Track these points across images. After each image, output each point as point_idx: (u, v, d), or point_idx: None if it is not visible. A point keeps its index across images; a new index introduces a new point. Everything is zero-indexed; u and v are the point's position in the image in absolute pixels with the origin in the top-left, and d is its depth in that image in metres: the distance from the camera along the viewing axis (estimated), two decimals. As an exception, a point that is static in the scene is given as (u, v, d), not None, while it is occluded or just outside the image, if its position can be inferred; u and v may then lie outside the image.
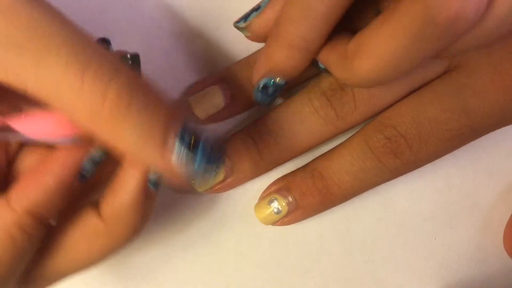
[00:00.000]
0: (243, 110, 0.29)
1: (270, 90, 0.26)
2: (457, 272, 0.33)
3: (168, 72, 0.30)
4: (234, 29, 0.28)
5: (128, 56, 0.23)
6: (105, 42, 0.25)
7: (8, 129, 0.19)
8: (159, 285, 0.31)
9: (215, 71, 0.30)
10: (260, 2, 0.26)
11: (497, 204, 0.33)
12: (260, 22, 0.25)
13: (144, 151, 0.19)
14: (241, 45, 0.30)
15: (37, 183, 0.21)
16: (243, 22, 0.26)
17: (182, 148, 0.19)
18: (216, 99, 0.27)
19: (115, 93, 0.18)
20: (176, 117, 0.20)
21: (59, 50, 0.18)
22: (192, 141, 0.19)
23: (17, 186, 0.21)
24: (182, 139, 0.19)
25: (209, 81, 0.28)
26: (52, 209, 0.21)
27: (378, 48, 0.20)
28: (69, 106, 0.18)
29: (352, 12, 0.23)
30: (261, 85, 0.26)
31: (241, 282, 0.32)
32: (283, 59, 0.24)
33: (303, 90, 0.28)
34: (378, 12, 0.24)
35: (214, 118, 0.28)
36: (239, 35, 0.28)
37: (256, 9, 0.26)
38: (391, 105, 0.28)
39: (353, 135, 0.28)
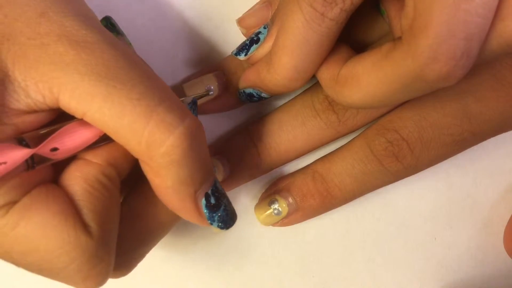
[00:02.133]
0: (237, 103, 0.29)
1: (255, 98, 0.27)
2: (457, 272, 0.33)
3: (168, 72, 0.29)
4: (234, 29, 0.28)
5: (190, 100, 0.24)
6: (109, 22, 0.25)
7: (41, 158, 0.19)
8: (159, 285, 0.31)
9: (211, 63, 0.30)
10: (258, 33, 0.26)
11: (497, 204, 0.33)
12: (260, 56, 0.26)
13: (175, 196, 0.20)
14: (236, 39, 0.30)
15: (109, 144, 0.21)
16: (244, 55, 0.26)
17: (206, 205, 0.22)
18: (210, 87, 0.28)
19: (173, 143, 0.19)
20: (212, 175, 0.22)
21: (133, 88, 0.18)
22: (215, 201, 0.22)
23: (91, 149, 0.21)
24: (208, 196, 0.22)
25: (204, 71, 0.28)
26: (125, 165, 0.22)
27: (367, 86, 0.21)
28: (124, 139, 0.19)
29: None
30: (247, 92, 0.27)
31: (241, 282, 0.32)
32: (273, 85, 0.25)
33: (306, 93, 0.28)
34: (377, 4, 0.24)
35: (208, 107, 0.28)
36: (239, 35, 0.28)
37: (256, 41, 0.26)
38: (393, 110, 0.28)
39: (355, 137, 0.28)
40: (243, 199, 0.31)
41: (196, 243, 0.31)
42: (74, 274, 0.19)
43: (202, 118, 0.29)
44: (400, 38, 0.20)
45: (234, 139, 0.29)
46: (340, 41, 0.24)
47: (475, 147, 0.28)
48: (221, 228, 0.23)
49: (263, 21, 0.27)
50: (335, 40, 0.23)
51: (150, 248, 0.24)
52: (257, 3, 0.27)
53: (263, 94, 0.27)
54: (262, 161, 0.28)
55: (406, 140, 0.26)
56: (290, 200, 0.29)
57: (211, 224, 0.22)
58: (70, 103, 0.18)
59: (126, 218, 0.23)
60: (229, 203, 0.23)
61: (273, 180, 0.31)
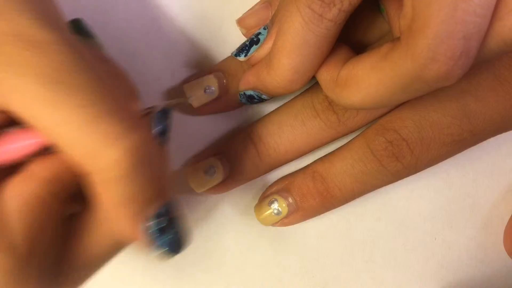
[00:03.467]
0: (237, 104, 0.29)
1: (255, 100, 0.27)
2: (457, 272, 0.33)
3: (168, 72, 0.29)
4: (235, 29, 0.28)
5: (158, 111, 0.22)
6: (78, 24, 0.24)
7: None
8: (159, 285, 0.31)
9: (211, 64, 0.30)
10: (258, 34, 0.26)
11: (497, 204, 0.33)
12: (259, 57, 0.26)
13: (116, 214, 0.19)
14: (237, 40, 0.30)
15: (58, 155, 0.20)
16: (244, 56, 0.26)
17: (152, 227, 0.20)
18: (211, 87, 0.28)
19: (116, 158, 0.18)
20: (165, 195, 0.20)
21: (81, 94, 0.17)
22: (165, 223, 0.20)
23: (36, 160, 0.20)
24: (157, 217, 0.20)
25: (204, 72, 0.28)
26: (74, 179, 0.20)
27: (367, 87, 0.21)
28: (66, 147, 0.18)
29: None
30: (247, 94, 0.27)
31: (241, 282, 0.32)
32: (273, 87, 0.25)
33: (306, 93, 0.28)
34: (379, 7, 0.24)
35: (208, 108, 0.28)
36: (240, 35, 0.28)
37: (256, 42, 0.26)
38: (393, 109, 0.28)
39: (354, 137, 0.28)
40: (243, 199, 0.31)
41: (195, 243, 0.31)
42: None
43: (202, 118, 0.29)
44: (399, 38, 0.20)
45: (234, 139, 0.29)
46: (339, 42, 0.24)
47: (475, 147, 0.28)
48: (168, 252, 0.21)
49: (263, 21, 0.27)
50: (334, 41, 0.23)
51: (98, 269, 0.22)
52: (257, 3, 0.28)
53: (263, 96, 0.27)
54: (261, 161, 0.28)
55: (405, 140, 0.26)
56: (290, 200, 0.29)
57: (156, 248, 0.20)
58: (16, 106, 0.18)
59: (73, 234, 0.21)
60: (181, 227, 0.21)
61: (272, 180, 0.31)
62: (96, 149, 0.17)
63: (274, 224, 0.29)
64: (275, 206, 0.29)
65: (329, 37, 0.22)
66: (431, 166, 0.28)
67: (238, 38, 0.28)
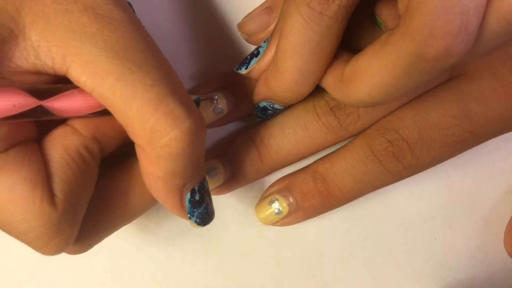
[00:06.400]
0: (245, 116, 0.29)
1: (269, 112, 0.27)
2: (457, 272, 0.33)
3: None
4: (235, 29, 0.28)
5: (194, 98, 0.25)
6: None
7: (41, 110, 0.19)
8: (159, 285, 0.31)
9: (216, 72, 0.30)
10: (258, 47, 0.26)
11: (497, 204, 0.33)
12: (260, 69, 0.26)
13: (163, 187, 0.21)
14: (242, 46, 0.30)
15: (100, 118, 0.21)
16: (245, 69, 0.27)
17: (189, 200, 0.22)
18: (219, 106, 0.28)
19: (176, 136, 0.19)
20: (202, 172, 0.22)
21: (148, 73, 0.19)
22: (199, 198, 0.22)
23: (80, 118, 0.21)
24: (194, 192, 0.22)
25: (212, 86, 0.28)
26: (111, 143, 0.22)
27: (371, 77, 0.21)
28: (129, 121, 0.19)
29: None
30: (261, 106, 0.27)
31: (241, 282, 0.32)
32: (281, 92, 0.25)
33: (308, 98, 0.28)
34: (374, 17, 0.24)
35: (216, 123, 0.28)
36: (240, 36, 0.28)
37: (256, 55, 0.26)
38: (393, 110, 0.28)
39: (355, 138, 0.28)
40: (243, 199, 0.31)
41: (195, 243, 0.31)
42: (33, 240, 0.19)
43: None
44: (398, 24, 0.19)
45: (236, 141, 0.29)
46: (341, 49, 0.24)
47: (475, 148, 0.28)
48: (198, 224, 0.23)
49: (264, 27, 0.27)
50: (338, 41, 0.23)
51: (116, 229, 0.24)
52: (257, 7, 0.28)
53: (275, 105, 0.27)
54: (263, 163, 0.28)
55: (406, 140, 0.26)
56: (291, 199, 0.29)
57: (190, 218, 0.23)
58: (81, 76, 0.18)
59: (101, 195, 0.23)
60: (211, 202, 0.24)
61: (273, 180, 0.31)
62: (157, 127, 0.19)
63: (275, 223, 0.29)
64: (275, 205, 0.29)
65: (331, 35, 0.22)
66: (432, 166, 0.27)
67: (240, 38, 0.28)
